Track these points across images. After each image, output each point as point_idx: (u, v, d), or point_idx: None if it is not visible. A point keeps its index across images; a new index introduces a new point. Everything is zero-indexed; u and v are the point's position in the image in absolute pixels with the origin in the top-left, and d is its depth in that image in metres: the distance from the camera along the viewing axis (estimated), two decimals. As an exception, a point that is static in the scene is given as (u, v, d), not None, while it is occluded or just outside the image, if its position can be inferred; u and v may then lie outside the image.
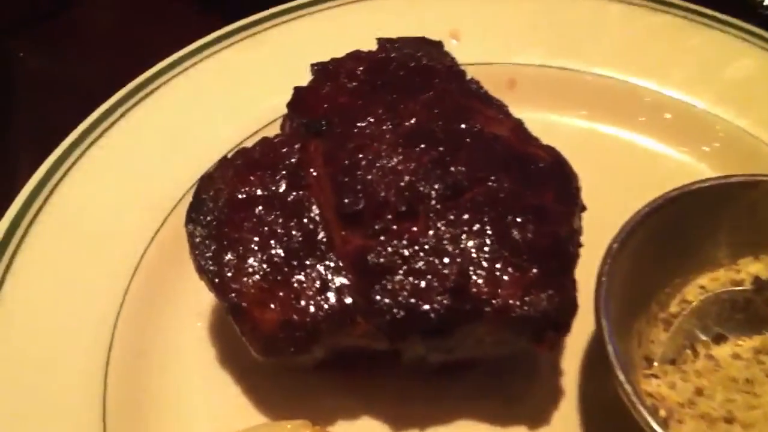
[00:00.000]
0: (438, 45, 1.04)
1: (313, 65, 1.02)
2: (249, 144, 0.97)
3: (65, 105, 1.23)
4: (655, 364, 0.91)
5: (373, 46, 1.06)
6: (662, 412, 0.85)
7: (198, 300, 0.95)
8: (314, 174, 0.89)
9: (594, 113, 1.21)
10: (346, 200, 0.84)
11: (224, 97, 1.15)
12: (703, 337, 0.93)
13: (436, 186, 0.85)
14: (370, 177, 0.86)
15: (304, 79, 1.03)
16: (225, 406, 0.91)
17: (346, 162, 0.88)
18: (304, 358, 0.83)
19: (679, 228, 0.94)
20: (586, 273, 0.86)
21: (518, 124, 0.97)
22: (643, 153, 1.18)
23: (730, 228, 0.97)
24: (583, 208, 0.93)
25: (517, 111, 1.05)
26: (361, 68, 1.00)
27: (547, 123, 1.20)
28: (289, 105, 0.98)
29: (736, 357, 0.91)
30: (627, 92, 1.21)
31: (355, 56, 1.03)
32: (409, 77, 0.98)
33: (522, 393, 0.93)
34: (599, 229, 0.89)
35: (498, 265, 0.81)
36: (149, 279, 0.98)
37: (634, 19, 1.29)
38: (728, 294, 0.96)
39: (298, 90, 0.99)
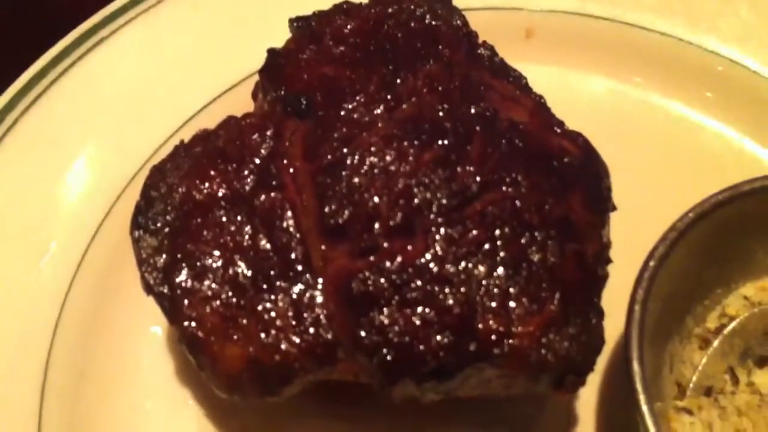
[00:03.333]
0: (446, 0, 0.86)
1: (292, 21, 0.84)
2: (214, 111, 0.80)
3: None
4: (689, 392, 0.79)
5: (367, -5, 0.87)
6: (696, 461, 0.73)
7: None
8: (291, 171, 0.73)
9: (626, 74, 1.04)
10: (328, 209, 0.69)
11: (182, 53, 0.97)
12: (745, 361, 0.80)
13: (439, 193, 0.69)
14: (358, 179, 0.70)
15: (282, 35, 0.85)
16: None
17: (330, 158, 0.71)
18: (275, 399, 0.69)
19: (725, 234, 0.80)
20: (614, 283, 0.71)
21: (539, 104, 0.80)
22: (680, 125, 1.00)
23: (785, 232, 0.82)
24: (613, 208, 0.78)
25: (532, 68, 0.89)
26: (350, 27, 0.82)
27: (567, 84, 1.04)
28: (262, 72, 0.81)
29: (784, 389, 0.78)
30: (670, 49, 1.03)
31: (344, 10, 0.85)
32: (409, 42, 0.81)
33: (531, 422, 0.81)
34: (630, 228, 0.75)
35: (511, 296, 0.66)
36: (94, 278, 0.84)
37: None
38: (776, 309, 0.82)
39: (273, 53, 0.82)
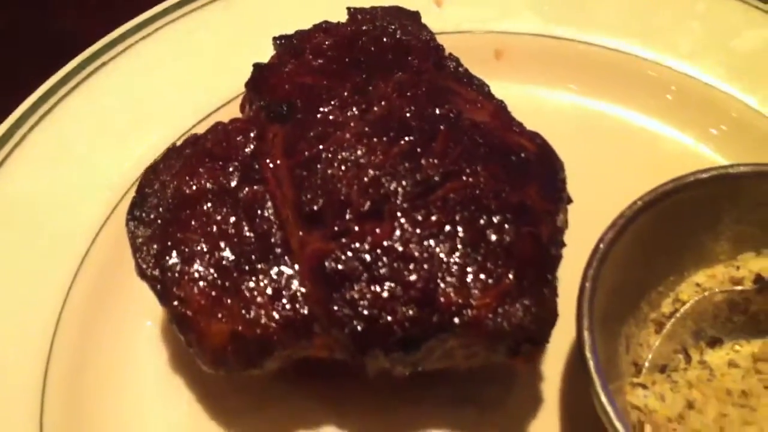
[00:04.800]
0: (415, 16, 0.95)
1: (275, 39, 0.92)
2: (208, 125, 0.88)
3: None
4: (644, 371, 0.84)
5: (345, 17, 0.96)
6: (648, 429, 0.78)
7: (150, 296, 0.88)
8: (272, 167, 0.80)
9: (587, 88, 1.12)
10: (304, 198, 0.76)
11: (178, 74, 1.06)
12: (698, 342, 0.86)
13: (405, 182, 0.77)
14: (332, 171, 0.77)
15: (267, 53, 0.93)
16: (178, 415, 0.85)
17: (307, 153, 0.79)
18: (257, 371, 0.75)
19: (674, 223, 0.86)
20: (571, 272, 0.78)
21: (500, 107, 0.88)
22: (640, 134, 1.08)
23: (732, 221, 0.89)
24: (569, 201, 0.85)
25: (502, 85, 0.96)
26: (328, 43, 0.91)
27: (534, 99, 1.12)
28: (248, 84, 0.89)
29: (733, 365, 0.84)
30: (629, 65, 1.11)
31: (323, 29, 0.93)
32: (381, 54, 0.89)
33: (498, 400, 0.87)
34: (587, 222, 0.82)
35: (470, 272, 0.73)
36: (94, 275, 0.91)
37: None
38: (726, 294, 0.88)
39: (258, 67, 0.90)
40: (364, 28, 0.92)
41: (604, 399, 0.71)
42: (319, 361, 0.82)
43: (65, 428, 0.80)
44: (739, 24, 1.12)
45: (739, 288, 0.88)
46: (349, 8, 0.95)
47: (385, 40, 0.91)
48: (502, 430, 0.85)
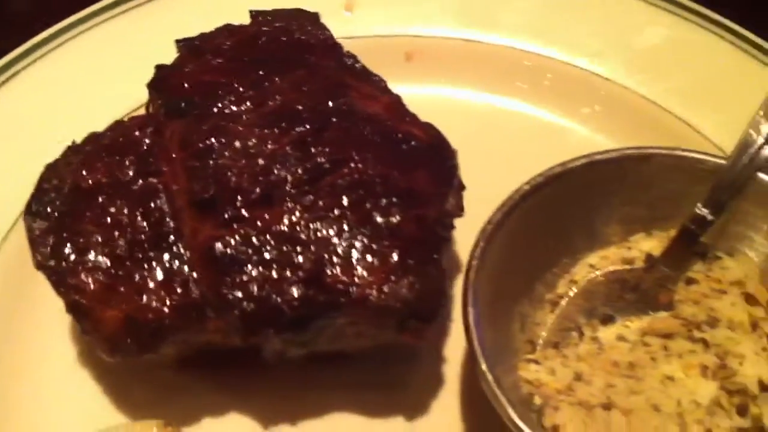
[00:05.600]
0: (314, 17, 0.98)
1: (178, 42, 0.95)
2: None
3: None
4: (538, 348, 0.87)
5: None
6: (537, 400, 0.81)
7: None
8: (167, 160, 0.83)
9: (494, 86, 1.16)
10: (196, 187, 0.79)
11: (87, 83, 1.07)
12: (591, 319, 0.89)
13: (295, 170, 0.80)
14: (223, 161, 0.80)
15: (173, 57, 0.96)
16: (85, 406, 0.86)
17: (201, 145, 0.82)
18: (153, 357, 0.77)
19: (564, 206, 0.89)
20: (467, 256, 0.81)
21: (395, 101, 0.91)
22: (554, 134, 1.11)
23: (622, 204, 0.92)
24: (462, 188, 0.88)
25: (413, 86, 1.00)
26: (228, 44, 0.94)
27: (443, 98, 1.15)
28: (150, 85, 0.91)
29: (621, 339, 0.87)
30: (529, 64, 1.16)
31: (225, 31, 0.97)
32: (280, 52, 0.93)
33: (401, 383, 0.89)
34: (485, 209, 0.84)
35: (356, 253, 0.76)
36: (6, 275, 0.91)
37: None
38: (617, 273, 0.92)
39: (159, 69, 0.92)
40: (264, 28, 0.96)
41: (484, 367, 0.74)
42: (222, 352, 0.85)
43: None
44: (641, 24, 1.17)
45: (629, 267, 0.92)
46: (251, 11, 0.98)
47: (284, 39, 0.94)
48: (406, 411, 0.87)
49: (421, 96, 1.01)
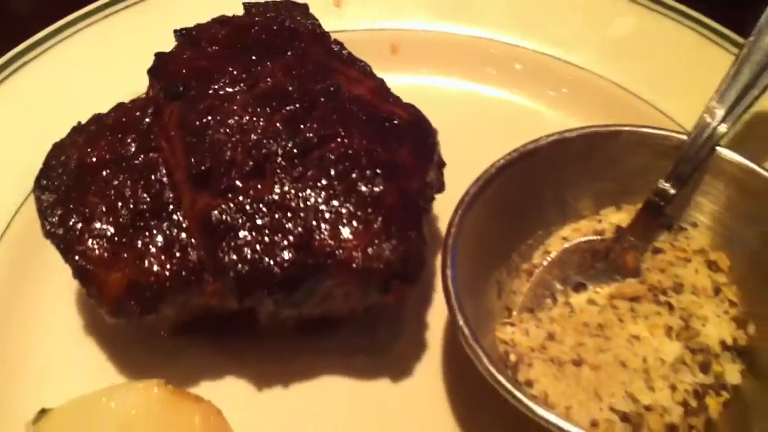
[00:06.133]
0: (303, 7, 1.05)
1: (176, 32, 1.01)
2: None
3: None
4: (515, 313, 0.93)
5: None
6: (512, 357, 0.87)
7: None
8: (167, 137, 0.89)
9: (476, 76, 1.23)
10: (194, 160, 0.85)
11: (94, 72, 1.15)
12: (564, 287, 0.95)
13: (285, 144, 0.86)
14: (219, 137, 0.86)
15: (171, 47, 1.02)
16: (89, 369, 0.92)
17: (198, 123, 0.88)
18: (153, 320, 0.83)
19: (537, 180, 0.96)
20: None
21: (379, 84, 0.97)
22: (529, 119, 1.18)
23: (592, 179, 0.99)
24: (442, 164, 0.94)
25: (398, 76, 1.07)
26: (223, 32, 1.00)
27: (426, 87, 1.22)
28: (150, 71, 0.97)
29: (591, 303, 0.93)
30: (509, 54, 1.23)
31: (220, 21, 1.03)
32: (271, 40, 0.99)
33: (385, 348, 0.95)
34: (464, 186, 0.90)
35: (343, 220, 0.82)
36: (18, 248, 0.97)
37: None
38: (588, 244, 0.98)
39: (159, 56, 0.98)
40: (257, 19, 1.02)
41: (461, 322, 0.80)
42: (219, 319, 0.90)
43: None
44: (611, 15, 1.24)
45: (599, 238, 0.98)
46: (244, 3, 1.05)
47: (275, 28, 1.00)
48: (390, 374, 0.92)
49: (406, 85, 1.06)
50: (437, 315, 0.97)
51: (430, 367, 0.93)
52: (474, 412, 0.89)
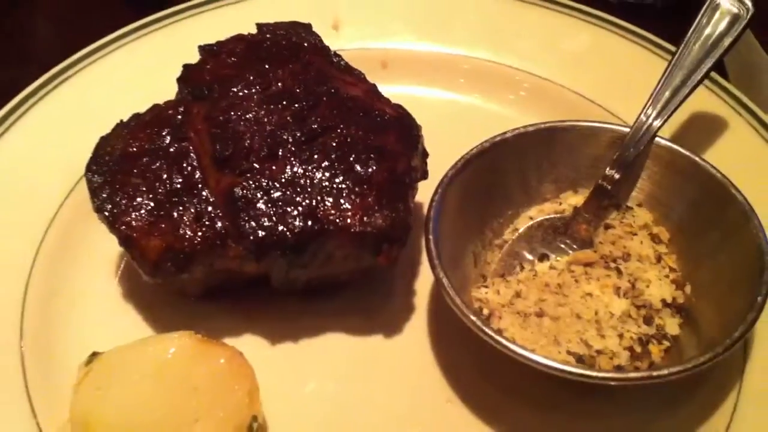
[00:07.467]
0: (307, 26, 1.23)
1: (200, 47, 1.19)
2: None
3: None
4: (488, 279, 1.10)
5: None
6: (485, 311, 1.04)
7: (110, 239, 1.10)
8: (195, 130, 1.06)
9: (456, 87, 1.41)
10: (218, 147, 1.02)
11: (129, 81, 1.34)
12: (530, 257, 1.12)
13: (294, 134, 1.03)
14: (239, 128, 1.04)
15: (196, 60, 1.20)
16: (131, 326, 1.07)
17: (221, 118, 1.05)
18: (186, 278, 0.99)
19: (505, 167, 1.13)
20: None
21: (371, 87, 1.15)
22: (501, 123, 1.28)
23: (552, 166, 1.15)
24: (426, 154, 1.12)
25: (388, 88, 1.23)
26: (240, 47, 1.18)
27: (412, 97, 1.37)
28: (179, 79, 1.15)
29: (552, 268, 1.09)
30: (482, 67, 1.42)
31: (237, 38, 1.21)
32: (280, 52, 1.16)
33: (379, 309, 1.10)
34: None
35: (342, 194, 0.99)
36: (66, 229, 1.15)
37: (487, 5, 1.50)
38: (550, 221, 1.15)
39: (186, 67, 1.16)
40: (268, 36, 1.20)
41: (441, 274, 0.96)
42: (238, 284, 1.07)
43: (39, 335, 1.04)
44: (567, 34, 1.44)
45: (560, 216, 1.15)
46: (257, 23, 1.23)
47: (284, 42, 1.18)
48: (383, 331, 1.08)
49: (394, 94, 1.22)
50: (423, 284, 1.13)
51: (417, 325, 1.09)
52: (455, 362, 1.04)
